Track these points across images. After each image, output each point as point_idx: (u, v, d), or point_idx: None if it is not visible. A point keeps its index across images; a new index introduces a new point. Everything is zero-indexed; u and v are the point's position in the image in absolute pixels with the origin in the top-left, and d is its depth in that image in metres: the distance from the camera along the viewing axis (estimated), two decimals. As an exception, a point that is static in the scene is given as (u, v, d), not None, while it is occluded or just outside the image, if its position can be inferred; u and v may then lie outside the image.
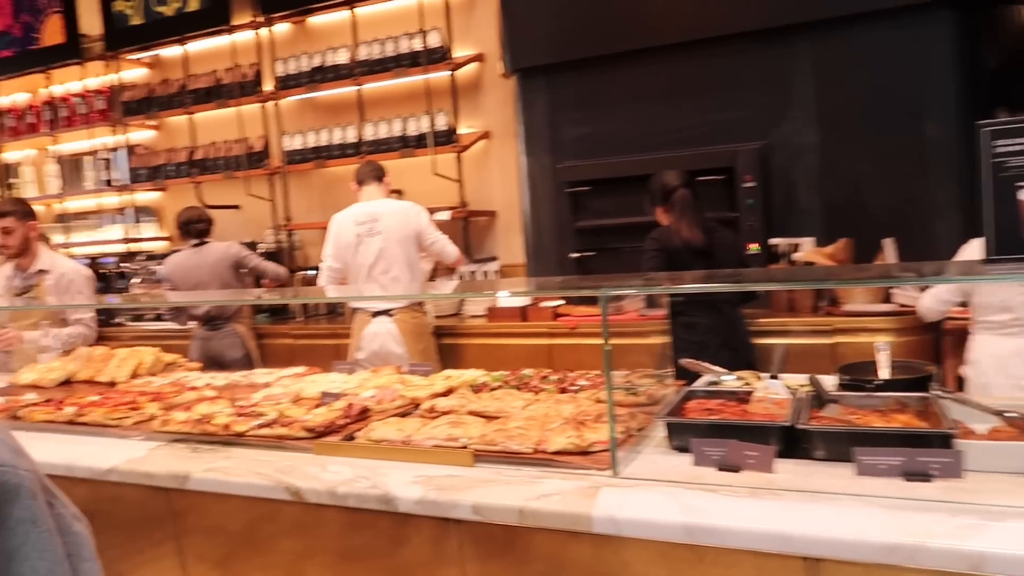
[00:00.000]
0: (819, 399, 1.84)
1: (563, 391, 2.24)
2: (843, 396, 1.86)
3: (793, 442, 1.63)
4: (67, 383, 3.10)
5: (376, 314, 3.91)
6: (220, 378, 2.90)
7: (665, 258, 3.31)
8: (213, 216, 4.72)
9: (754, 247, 3.94)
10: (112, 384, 2.96)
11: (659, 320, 2.43)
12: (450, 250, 4.07)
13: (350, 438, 2.01)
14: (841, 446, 1.56)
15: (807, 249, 3.87)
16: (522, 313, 4.20)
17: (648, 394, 2.10)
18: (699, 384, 2.18)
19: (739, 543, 1.38)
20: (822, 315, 3.68)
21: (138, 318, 5.50)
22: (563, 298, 4.24)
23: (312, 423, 2.05)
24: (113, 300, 4.90)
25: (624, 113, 4.35)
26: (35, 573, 0.55)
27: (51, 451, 2.23)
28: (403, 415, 2.15)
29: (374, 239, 3.90)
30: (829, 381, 2.01)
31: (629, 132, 4.32)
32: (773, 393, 1.91)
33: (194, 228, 4.55)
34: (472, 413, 2.05)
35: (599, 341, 1.70)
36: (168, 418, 2.25)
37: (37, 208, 7.00)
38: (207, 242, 4.56)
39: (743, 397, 1.95)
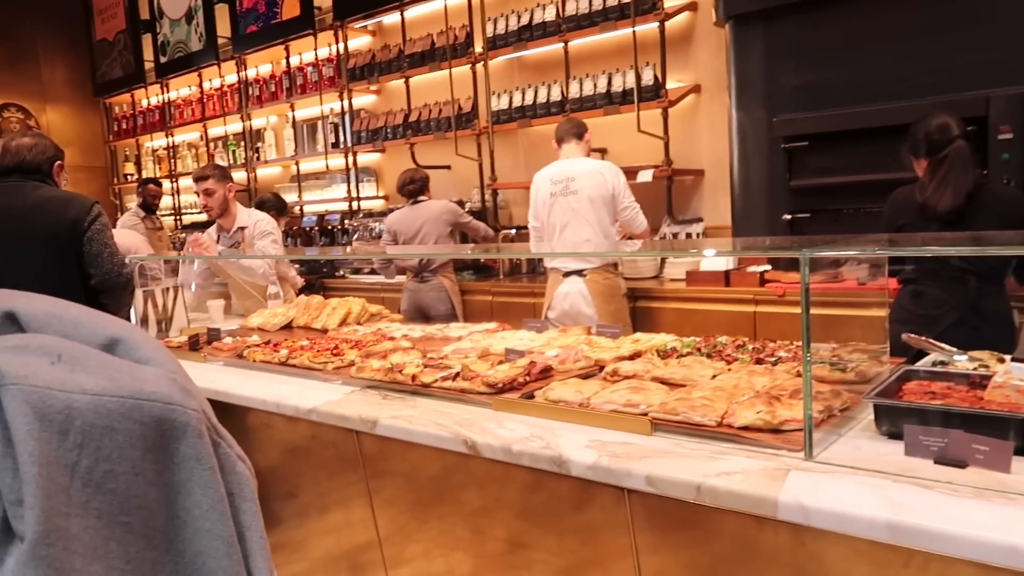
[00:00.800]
0: (1079, 389, 1.51)
1: (759, 362, 2.05)
2: (1112, 388, 1.52)
3: (1039, 439, 1.35)
4: (288, 327, 3.37)
5: (567, 274, 3.88)
6: (417, 330, 3.00)
7: (895, 224, 2.87)
8: (427, 175, 4.93)
9: (1007, 209, 3.39)
10: (324, 331, 3.18)
11: (878, 290, 2.14)
12: (640, 220, 3.93)
13: (529, 396, 1.98)
14: (1104, 448, 1.27)
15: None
16: (725, 278, 3.96)
17: (858, 371, 1.86)
18: (923, 363, 1.90)
19: (957, 550, 1.16)
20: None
21: (356, 271, 5.90)
22: (771, 263, 3.93)
23: (493, 379, 2.04)
24: (312, 252, 5.29)
25: (851, 59, 3.89)
26: (198, 508, 0.58)
27: (264, 389, 2.43)
28: (585, 377, 2.09)
29: (568, 199, 3.85)
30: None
31: (856, 80, 3.87)
32: (1018, 379, 1.61)
33: (407, 190, 4.78)
34: (656, 379, 1.94)
35: (811, 311, 1.51)
36: (364, 365, 2.36)
37: (274, 170, 7.77)
38: (424, 199, 4.78)
39: (977, 381, 1.66)
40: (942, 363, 1.89)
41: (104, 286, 3.11)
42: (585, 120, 5.04)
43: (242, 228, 4.12)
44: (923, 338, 2.08)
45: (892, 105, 3.66)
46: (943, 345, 2.00)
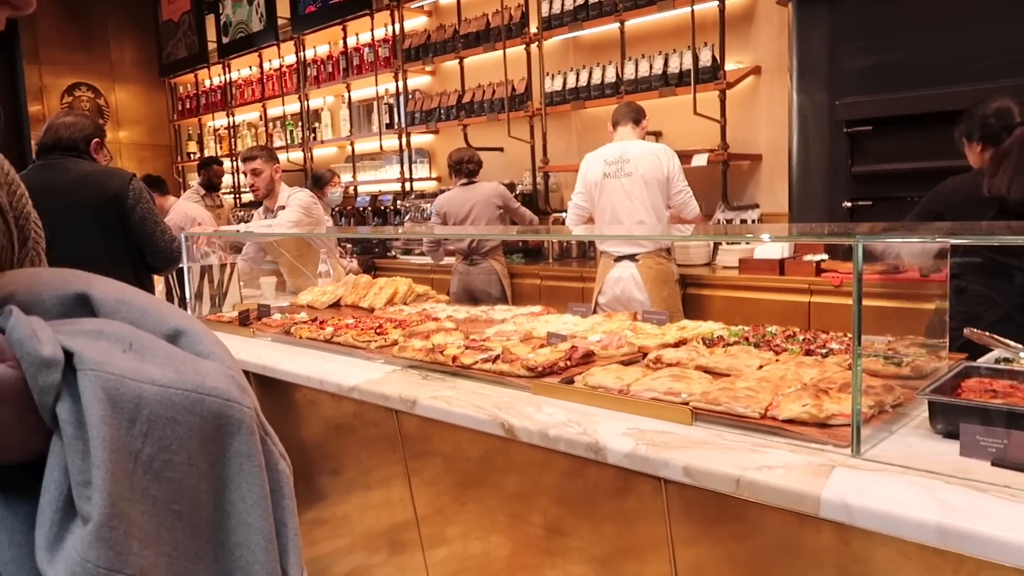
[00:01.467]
0: None
1: (808, 353, 1.98)
2: None
3: (1108, 443, 1.26)
4: (336, 305, 3.40)
5: (619, 258, 3.81)
6: (462, 311, 2.99)
7: (936, 216, 2.74)
8: (481, 157, 4.91)
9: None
10: (371, 309, 3.20)
11: (939, 282, 2.04)
12: (693, 205, 3.84)
13: (569, 381, 1.94)
14: None
15: None
16: (780, 266, 3.84)
17: (914, 366, 1.78)
18: (985, 360, 1.80)
19: (1011, 558, 1.10)
20: None
21: (407, 252, 5.93)
22: (828, 251, 3.80)
23: (533, 362, 2.02)
24: (364, 230, 5.30)
25: (919, 39, 3.71)
26: (243, 502, 0.61)
27: (308, 365, 2.45)
28: (628, 363, 2.04)
29: (621, 180, 3.78)
30: None
31: (925, 61, 3.69)
32: (1087, 379, 1.51)
33: (465, 168, 4.76)
34: (700, 368, 1.89)
35: (867, 302, 1.44)
36: (406, 345, 2.36)
37: (330, 150, 7.85)
38: (475, 182, 4.77)
39: (1043, 380, 1.57)
40: (1007, 360, 1.79)
41: (160, 262, 3.22)
42: (640, 102, 4.96)
43: (283, 207, 4.18)
44: (987, 334, 1.97)
45: (963, 88, 3.49)
46: (1009, 342, 1.90)
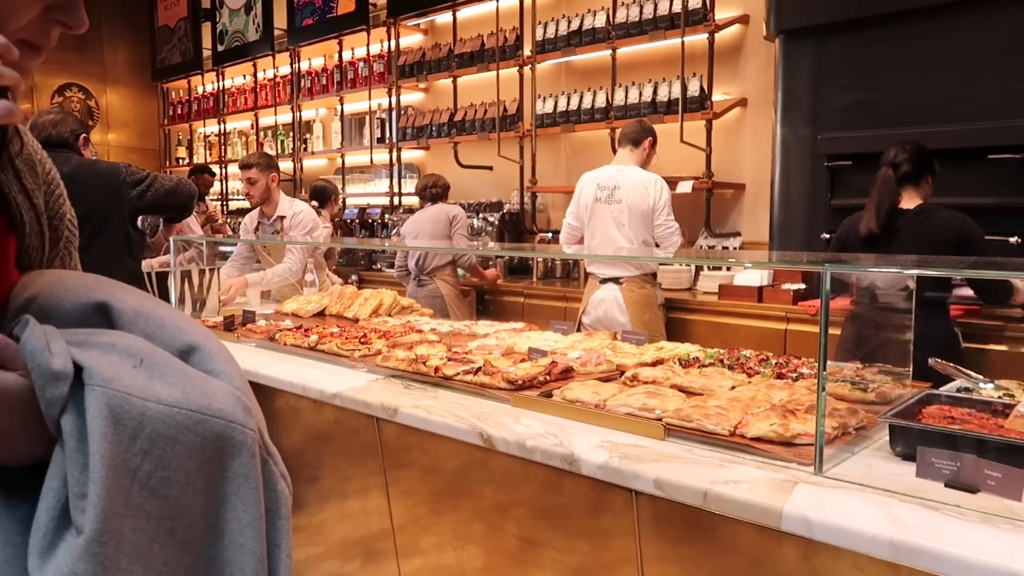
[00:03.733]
0: (1103, 424, 1.49)
1: (780, 376, 2.05)
2: None
3: (1055, 470, 1.33)
4: (321, 315, 3.44)
5: (604, 280, 3.89)
6: (445, 324, 3.05)
7: (838, 245, 3.02)
8: (449, 182, 5.04)
9: (1052, 242, 3.33)
10: (355, 320, 3.24)
11: (903, 312, 2.12)
12: (674, 240, 3.88)
13: (548, 395, 2.00)
14: (1121, 483, 1.24)
15: None
16: (758, 293, 3.93)
17: (880, 392, 1.85)
18: (947, 388, 1.88)
19: (959, 573, 1.16)
20: None
21: (393, 265, 5.97)
22: (805, 281, 3.90)
23: (514, 375, 2.07)
24: (351, 242, 5.35)
25: (900, 79, 3.84)
26: (237, 522, 0.61)
27: (291, 372, 2.49)
28: (606, 380, 2.10)
29: (611, 207, 3.85)
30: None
31: (905, 101, 3.82)
32: (1042, 409, 1.59)
33: (428, 192, 4.92)
34: (675, 387, 1.95)
35: (839, 332, 1.51)
36: (389, 355, 2.40)
37: (320, 162, 7.90)
38: (438, 204, 4.88)
39: (1000, 409, 1.64)
40: (967, 389, 1.86)
41: (186, 209, 3.50)
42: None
43: (282, 217, 4.21)
44: (951, 364, 2.05)
45: (940, 128, 3.61)
46: (970, 372, 1.97)
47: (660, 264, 4.54)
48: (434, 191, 4.90)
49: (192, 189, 3.46)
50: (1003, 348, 3.16)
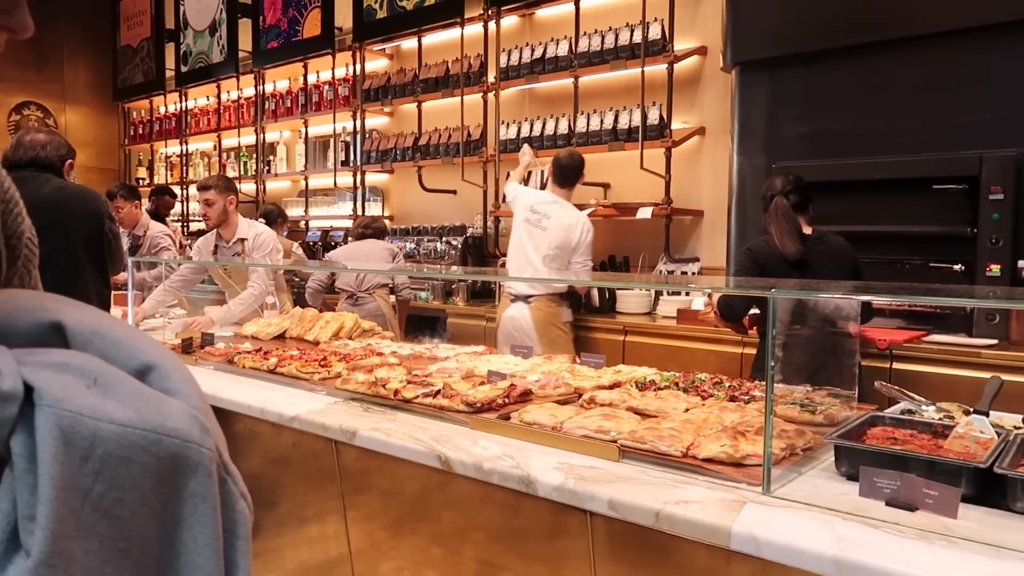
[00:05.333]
0: (1035, 444, 1.56)
1: (733, 399, 2.10)
2: (1068, 445, 1.56)
3: (989, 489, 1.39)
4: (281, 337, 3.42)
5: (515, 299, 4.13)
6: (406, 348, 3.05)
7: (756, 271, 3.17)
8: (384, 225, 5.22)
9: (995, 268, 3.45)
10: (316, 343, 3.23)
11: (851, 336, 2.19)
12: (583, 277, 4.15)
13: (506, 417, 2.02)
14: (1049, 501, 1.30)
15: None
16: (698, 318, 4.01)
17: (827, 414, 1.91)
18: (891, 411, 1.94)
19: (898, 589, 1.20)
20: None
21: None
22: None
23: (472, 398, 2.09)
24: (313, 264, 5.36)
25: (851, 111, 3.98)
26: (194, 543, 0.60)
27: (250, 395, 2.47)
28: (564, 403, 2.13)
29: (536, 231, 4.10)
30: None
31: (855, 132, 3.95)
32: (978, 431, 1.65)
33: (367, 232, 5.04)
34: (631, 409, 1.98)
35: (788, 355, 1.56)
36: (349, 377, 2.41)
37: (283, 184, 7.88)
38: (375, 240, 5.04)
39: (940, 431, 1.71)
40: (910, 411, 1.93)
41: (118, 268, 3.40)
42: (590, 155, 5.15)
43: (242, 240, 4.18)
44: (895, 387, 2.12)
45: (888, 159, 3.75)
46: (913, 395, 2.04)
47: (620, 289, 4.62)
48: (368, 231, 5.07)
49: (120, 266, 3.47)
50: (946, 371, 3.26)
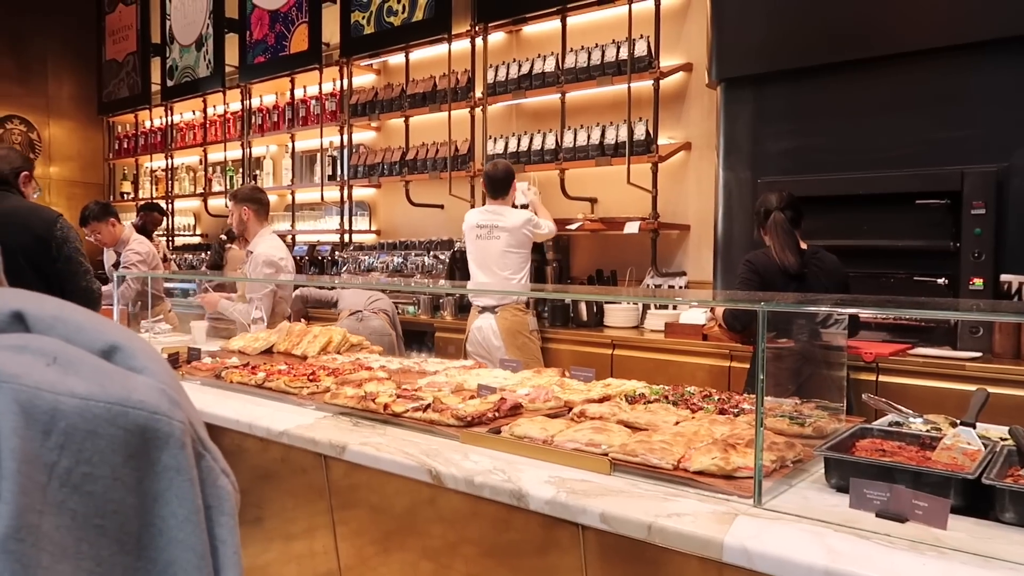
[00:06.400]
0: (1021, 455, 1.57)
1: (722, 412, 2.10)
2: (1053, 455, 1.58)
3: (977, 499, 1.41)
4: (269, 352, 3.41)
5: (482, 310, 4.31)
6: (395, 362, 3.05)
7: (758, 282, 3.25)
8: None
9: (978, 282, 3.50)
10: (304, 357, 3.21)
11: (840, 350, 2.21)
12: (545, 225, 4.41)
13: (497, 431, 2.02)
14: (1037, 511, 1.32)
15: (1045, 289, 3.36)
16: (702, 332, 4.02)
17: (816, 426, 1.92)
18: (879, 423, 1.96)
19: (889, 601, 1.21)
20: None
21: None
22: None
23: (463, 412, 2.09)
24: (300, 279, 5.34)
25: (835, 128, 4.03)
26: (173, 518, 0.59)
27: (238, 410, 2.46)
28: (554, 416, 2.13)
29: (489, 243, 4.34)
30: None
31: (839, 148, 4.00)
32: (965, 442, 1.67)
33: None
34: (621, 422, 1.99)
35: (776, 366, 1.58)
36: (338, 392, 2.40)
37: (270, 198, 7.85)
38: None
39: (928, 443, 1.72)
40: (898, 424, 1.95)
41: (79, 303, 3.18)
42: (577, 170, 5.19)
43: (249, 252, 4.28)
44: (883, 399, 2.14)
45: (871, 174, 3.79)
46: (901, 407, 2.06)
47: (607, 303, 4.63)
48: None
49: (96, 296, 3.30)
50: (931, 384, 3.29)
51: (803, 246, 3.30)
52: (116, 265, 5.11)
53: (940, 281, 3.63)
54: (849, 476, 1.50)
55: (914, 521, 1.37)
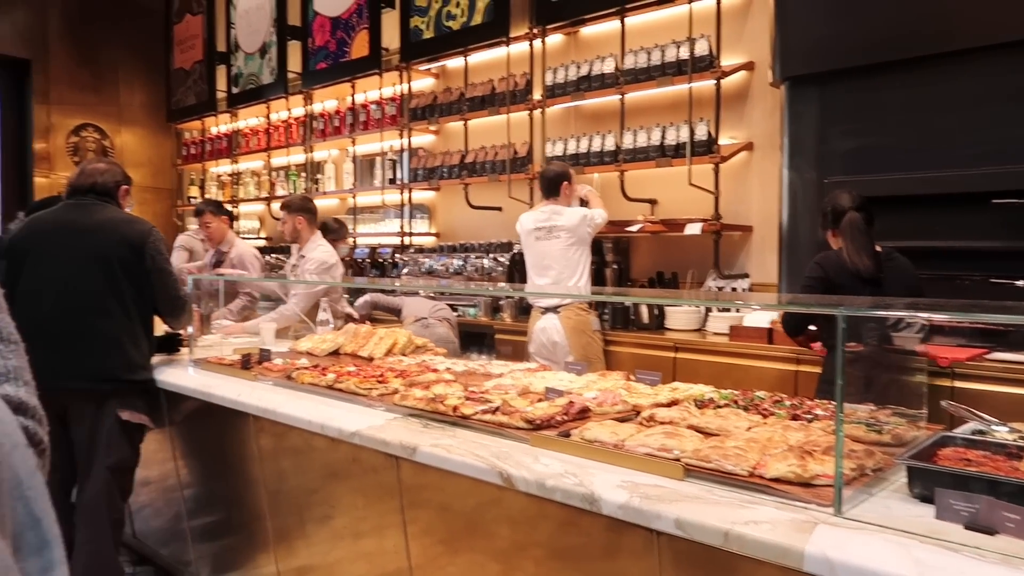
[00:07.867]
0: (1117, 467, 1.51)
1: (795, 418, 2.07)
2: None
3: (1072, 512, 1.36)
4: (335, 353, 3.48)
5: (545, 311, 4.31)
6: (460, 364, 3.08)
7: (826, 286, 3.13)
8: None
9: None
10: (370, 359, 3.27)
11: (919, 355, 2.16)
12: (600, 210, 4.44)
13: (566, 435, 2.02)
14: None
15: None
16: (768, 335, 3.96)
17: (895, 434, 1.87)
18: (961, 431, 1.90)
19: (981, 616, 1.18)
20: None
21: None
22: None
23: (532, 415, 2.10)
24: (361, 281, 5.41)
25: (904, 126, 3.91)
26: None
27: (309, 410, 2.52)
28: (622, 420, 2.13)
29: (549, 243, 4.35)
30: None
31: (907, 146, 3.89)
32: (1055, 452, 1.61)
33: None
34: (692, 427, 1.97)
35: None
36: (407, 394, 2.43)
37: (332, 202, 8.00)
38: None
39: (1015, 452, 1.67)
40: (981, 432, 1.89)
41: (167, 310, 3.29)
42: (637, 172, 5.15)
43: (302, 256, 4.39)
44: (963, 407, 2.08)
45: (942, 173, 3.68)
46: (983, 415, 2.00)
47: (668, 305, 4.59)
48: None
49: (183, 303, 3.32)
50: (1010, 390, 3.17)
51: (876, 248, 3.21)
52: (215, 265, 5.18)
53: (1020, 283, 3.50)
54: (934, 486, 1.47)
55: (1005, 534, 1.33)
